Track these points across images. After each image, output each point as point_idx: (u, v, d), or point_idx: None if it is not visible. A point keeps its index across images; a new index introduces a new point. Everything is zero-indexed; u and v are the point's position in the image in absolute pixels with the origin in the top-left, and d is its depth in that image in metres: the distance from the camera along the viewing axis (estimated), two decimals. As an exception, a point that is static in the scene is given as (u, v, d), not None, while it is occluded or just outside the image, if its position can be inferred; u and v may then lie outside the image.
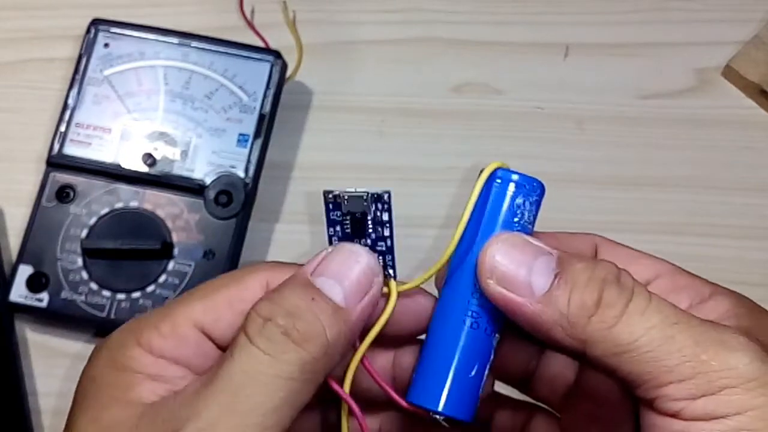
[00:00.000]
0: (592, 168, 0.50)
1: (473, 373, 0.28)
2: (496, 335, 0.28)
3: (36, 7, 0.53)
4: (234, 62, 0.48)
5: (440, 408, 0.28)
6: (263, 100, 0.48)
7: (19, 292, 0.45)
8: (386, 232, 0.27)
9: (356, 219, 0.27)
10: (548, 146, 0.50)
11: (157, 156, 0.47)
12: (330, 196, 0.27)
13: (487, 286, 0.27)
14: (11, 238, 0.48)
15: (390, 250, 0.27)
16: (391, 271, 0.28)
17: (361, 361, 0.28)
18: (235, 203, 0.46)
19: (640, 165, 0.50)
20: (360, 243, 0.27)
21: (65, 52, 0.51)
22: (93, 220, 0.46)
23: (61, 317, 0.45)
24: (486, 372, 0.28)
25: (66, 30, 0.52)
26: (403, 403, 0.29)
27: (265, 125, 0.47)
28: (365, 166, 0.50)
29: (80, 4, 0.52)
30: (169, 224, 0.46)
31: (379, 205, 0.27)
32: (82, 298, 0.44)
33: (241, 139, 0.47)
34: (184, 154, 0.47)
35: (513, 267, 0.26)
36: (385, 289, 0.28)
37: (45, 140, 0.48)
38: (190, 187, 0.46)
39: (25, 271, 0.45)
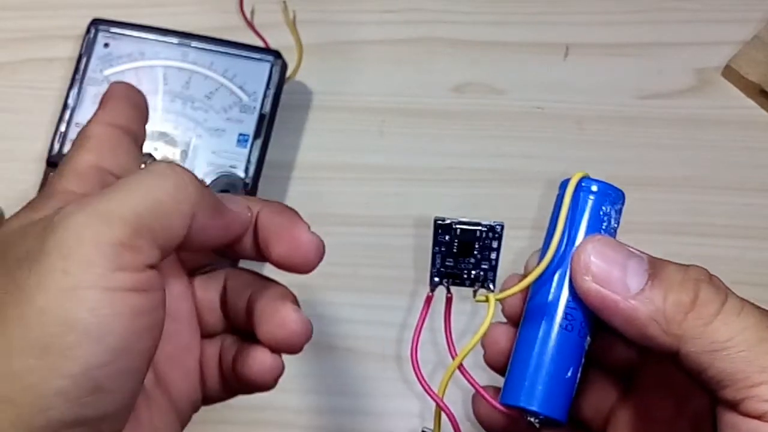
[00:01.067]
0: (592, 168, 0.49)
1: (569, 374, 0.28)
2: (588, 338, 0.29)
3: (36, 7, 0.53)
4: (234, 62, 0.48)
5: (537, 408, 0.28)
6: (263, 100, 0.48)
7: (19, 292, 0.45)
8: (493, 255, 0.28)
9: (464, 242, 0.28)
10: (548, 146, 0.50)
11: (157, 156, 0.47)
12: (440, 223, 0.28)
13: (582, 283, 0.27)
14: (11, 238, 0.48)
15: (493, 268, 0.28)
16: (491, 285, 0.29)
17: (459, 368, 0.29)
18: (235, 203, 0.46)
19: (640, 165, 0.50)
20: (465, 261, 0.29)
21: (65, 52, 0.51)
22: (93, 220, 0.46)
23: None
24: (579, 374, 0.29)
25: (66, 30, 0.52)
26: (499, 405, 0.29)
27: (265, 125, 0.47)
28: (365, 166, 0.50)
29: (80, 4, 0.52)
30: (169, 224, 0.46)
31: (490, 234, 0.28)
32: (82, 298, 0.44)
33: (241, 139, 0.47)
34: (184, 153, 0.47)
35: (608, 266, 0.27)
36: (483, 299, 0.29)
37: (45, 140, 0.48)
38: (190, 187, 0.46)
39: (25, 271, 0.45)
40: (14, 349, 0.23)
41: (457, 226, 0.28)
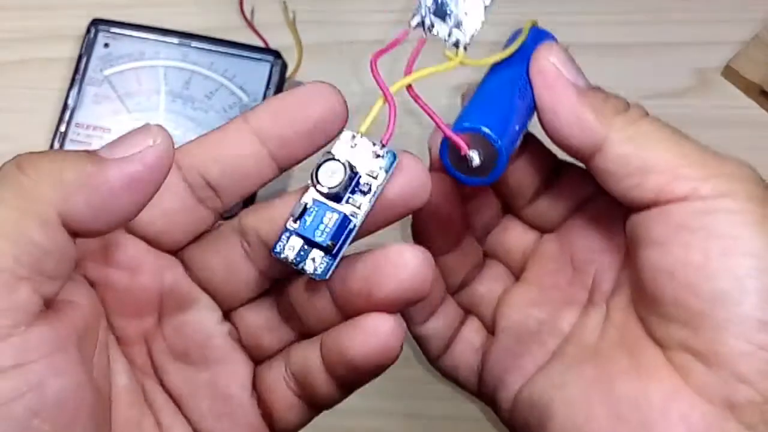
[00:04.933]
0: (592, 168, 0.50)
1: (516, 128, 0.31)
2: (529, 120, 0.31)
3: (36, 7, 0.53)
4: (234, 62, 0.48)
5: (490, 129, 0.30)
6: (263, 100, 0.48)
7: (19, 292, 0.45)
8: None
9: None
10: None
11: (157, 156, 0.47)
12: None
13: (546, 62, 0.30)
14: (11, 238, 0.48)
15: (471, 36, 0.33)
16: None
17: (408, 90, 0.32)
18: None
19: (640, 165, 0.50)
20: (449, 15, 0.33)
21: (65, 52, 0.51)
22: (93, 220, 0.46)
23: (61, 317, 0.45)
24: (520, 138, 0.31)
25: (66, 30, 0.52)
26: (447, 130, 0.30)
27: (265, 125, 0.47)
28: (365, 166, 0.50)
29: (80, 4, 0.52)
30: (169, 224, 0.46)
31: None
32: (82, 298, 0.44)
33: (241, 139, 0.47)
34: (184, 154, 0.47)
35: (567, 60, 0.31)
36: (452, 55, 0.33)
37: (45, 140, 0.48)
38: (190, 187, 0.46)
39: (25, 271, 0.45)
40: None
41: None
